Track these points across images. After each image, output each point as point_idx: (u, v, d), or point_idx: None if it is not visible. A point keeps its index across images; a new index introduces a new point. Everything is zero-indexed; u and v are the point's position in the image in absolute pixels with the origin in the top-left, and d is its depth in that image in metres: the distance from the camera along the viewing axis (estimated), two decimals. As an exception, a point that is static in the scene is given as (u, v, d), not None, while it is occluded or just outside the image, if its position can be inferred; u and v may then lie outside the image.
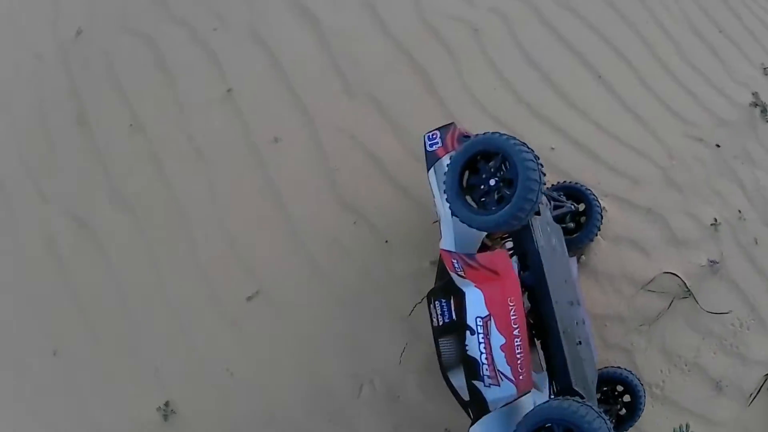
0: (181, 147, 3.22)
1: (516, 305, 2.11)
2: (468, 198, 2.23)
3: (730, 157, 3.44)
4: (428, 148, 2.60)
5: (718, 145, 3.44)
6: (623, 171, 3.24)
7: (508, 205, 2.06)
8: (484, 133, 2.21)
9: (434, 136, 2.61)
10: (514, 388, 2.09)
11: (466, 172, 2.23)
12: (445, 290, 2.27)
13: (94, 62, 3.64)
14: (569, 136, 3.25)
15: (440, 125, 2.66)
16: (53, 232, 3.19)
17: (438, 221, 2.50)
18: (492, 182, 2.17)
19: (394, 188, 3.04)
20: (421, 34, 3.47)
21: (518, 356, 2.09)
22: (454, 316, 2.22)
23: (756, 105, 3.63)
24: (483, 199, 2.20)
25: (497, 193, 2.16)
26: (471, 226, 2.22)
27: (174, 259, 3.02)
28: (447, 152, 2.55)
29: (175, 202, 3.10)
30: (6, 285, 3.21)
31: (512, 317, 2.10)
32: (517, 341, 2.10)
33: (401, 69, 3.35)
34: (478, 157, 2.20)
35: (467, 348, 2.15)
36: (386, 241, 2.94)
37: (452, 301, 2.23)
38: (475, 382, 2.12)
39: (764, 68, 3.87)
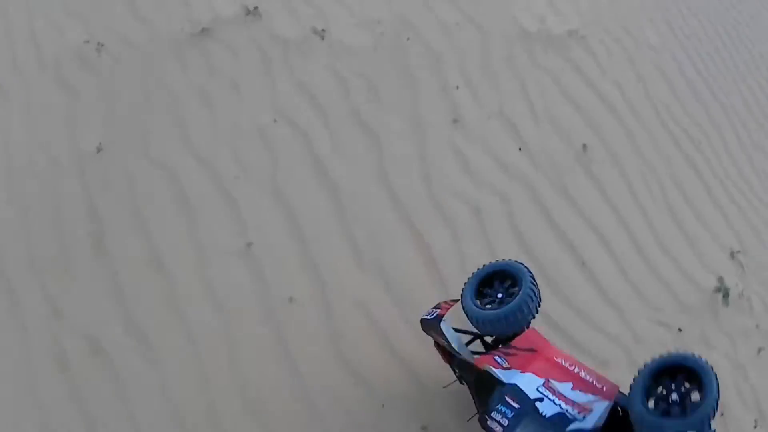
0: (199, 293, 3.79)
1: (563, 357, 2.82)
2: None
3: (689, 340, 4.26)
4: (430, 318, 3.30)
5: (680, 329, 4.30)
6: (594, 353, 4.00)
7: (515, 299, 2.99)
8: (497, 261, 3.25)
9: (431, 312, 3.34)
10: (605, 400, 2.63)
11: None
12: (497, 399, 2.75)
13: (115, 185, 4.17)
14: (550, 319, 4.00)
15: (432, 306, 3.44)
16: (65, 349, 3.65)
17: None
18: (500, 294, 3.10)
19: (392, 356, 3.72)
20: (429, 208, 4.24)
21: (590, 381, 2.69)
22: (517, 406, 2.67)
23: (719, 290, 4.50)
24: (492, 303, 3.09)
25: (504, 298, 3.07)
26: (478, 322, 3.08)
27: (185, 394, 3.56)
28: (447, 310, 3.26)
29: (191, 344, 3.66)
30: (10, 398, 3.55)
31: (566, 365, 2.75)
32: (582, 374, 2.71)
33: (408, 242, 4.10)
34: (490, 280, 3.16)
35: (544, 414, 2.61)
36: (383, 405, 3.61)
37: (508, 399, 2.70)
38: (570, 427, 2.55)
39: (732, 252, 4.79)
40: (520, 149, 4.70)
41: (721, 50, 6.71)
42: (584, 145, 4.84)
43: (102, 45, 4.97)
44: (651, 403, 2.56)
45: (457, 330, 3.19)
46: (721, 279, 4.55)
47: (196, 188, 4.20)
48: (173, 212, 4.12)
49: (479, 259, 3.99)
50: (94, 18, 5.24)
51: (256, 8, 5.23)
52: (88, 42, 5.00)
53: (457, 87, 5.01)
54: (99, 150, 4.36)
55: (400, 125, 4.64)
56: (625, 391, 2.69)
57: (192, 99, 4.64)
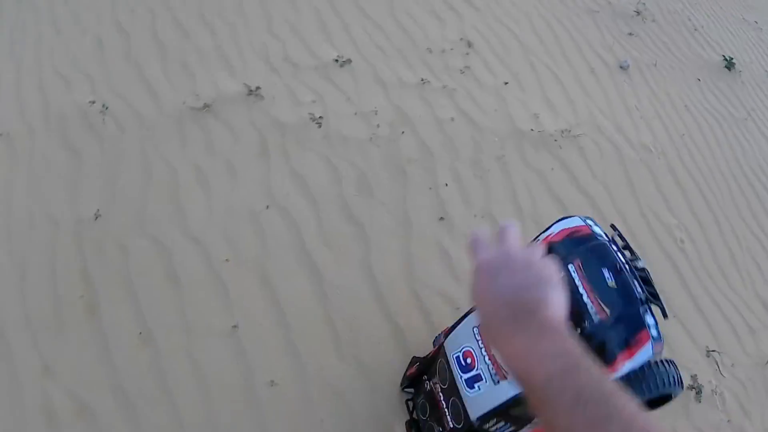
0: (185, 369, 4.16)
1: None
2: None
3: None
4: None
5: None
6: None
7: None
8: None
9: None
10: None
11: None
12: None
13: (109, 254, 4.55)
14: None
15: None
16: (54, 406, 3.96)
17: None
18: None
19: (364, 445, 4.19)
20: (410, 304, 4.66)
21: None
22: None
23: (693, 388, 4.87)
24: None
25: None
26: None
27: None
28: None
29: (174, 416, 4.02)
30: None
31: None
32: None
33: (386, 335, 4.50)
34: None
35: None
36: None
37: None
38: None
39: (707, 350, 5.21)
40: (503, 249, 5.14)
41: (713, 147, 7.20)
42: (566, 246, 5.28)
43: (107, 108, 5.44)
44: None
45: None
46: (694, 377, 4.96)
47: (187, 267, 4.60)
48: (164, 288, 4.51)
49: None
50: (101, 77, 5.72)
51: (258, 88, 5.73)
52: (93, 103, 5.48)
53: (446, 184, 5.48)
54: (97, 217, 4.77)
55: (388, 219, 5.09)
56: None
57: (189, 177, 5.09)
